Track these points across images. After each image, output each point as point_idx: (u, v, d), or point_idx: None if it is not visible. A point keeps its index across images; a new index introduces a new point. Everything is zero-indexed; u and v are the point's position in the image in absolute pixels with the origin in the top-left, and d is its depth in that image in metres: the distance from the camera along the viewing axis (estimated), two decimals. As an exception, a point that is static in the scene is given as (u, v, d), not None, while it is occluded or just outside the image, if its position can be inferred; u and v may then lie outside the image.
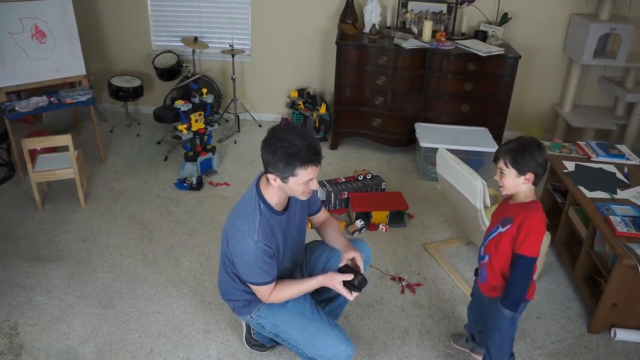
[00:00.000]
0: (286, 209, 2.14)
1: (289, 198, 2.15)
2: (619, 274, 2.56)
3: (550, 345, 2.71)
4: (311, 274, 2.38)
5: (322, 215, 2.38)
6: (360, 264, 2.11)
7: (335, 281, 2.04)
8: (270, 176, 1.97)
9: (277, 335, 2.24)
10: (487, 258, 2.21)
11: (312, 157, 1.90)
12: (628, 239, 2.60)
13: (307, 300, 2.22)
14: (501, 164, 2.07)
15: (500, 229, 2.13)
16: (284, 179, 1.94)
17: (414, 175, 4.36)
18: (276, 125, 1.99)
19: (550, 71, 4.81)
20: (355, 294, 2.06)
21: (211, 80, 5.05)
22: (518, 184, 2.07)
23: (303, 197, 2.05)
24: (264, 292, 2.10)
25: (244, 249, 2.01)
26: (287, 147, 1.88)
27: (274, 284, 2.10)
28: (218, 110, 5.13)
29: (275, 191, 2.04)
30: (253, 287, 2.12)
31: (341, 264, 2.11)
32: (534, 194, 2.12)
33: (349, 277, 2.03)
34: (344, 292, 2.04)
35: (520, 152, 2.02)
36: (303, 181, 1.95)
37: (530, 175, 2.04)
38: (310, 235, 2.45)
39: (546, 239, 2.97)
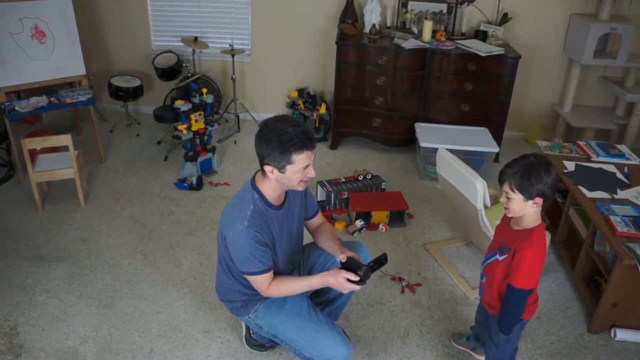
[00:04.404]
0: (283, 204, 2.14)
1: (286, 195, 2.15)
2: (619, 274, 2.56)
3: (550, 345, 2.71)
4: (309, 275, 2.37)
5: (318, 219, 2.37)
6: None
7: (340, 277, 1.99)
8: (268, 168, 1.98)
9: (275, 336, 2.24)
10: (484, 279, 2.19)
11: (307, 142, 1.93)
12: (628, 239, 2.60)
13: (305, 301, 2.21)
14: (506, 187, 1.93)
15: (498, 257, 2.05)
16: (281, 169, 1.95)
17: (414, 175, 4.36)
18: (266, 119, 2.01)
19: (550, 71, 4.81)
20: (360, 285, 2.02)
21: (211, 80, 5.04)
22: (525, 208, 1.93)
23: (300, 188, 2.05)
24: (261, 282, 2.07)
25: (235, 236, 2.01)
26: (280, 134, 1.91)
27: (270, 274, 2.07)
28: (218, 110, 5.13)
29: (271, 184, 2.04)
30: (250, 279, 2.08)
31: (343, 260, 2.06)
32: (540, 217, 2.00)
33: (354, 277, 1.98)
34: (350, 288, 2.00)
35: (527, 176, 1.86)
36: (300, 168, 1.96)
37: (538, 200, 1.89)
38: (307, 238, 2.44)
39: (546, 238, 2.96)
